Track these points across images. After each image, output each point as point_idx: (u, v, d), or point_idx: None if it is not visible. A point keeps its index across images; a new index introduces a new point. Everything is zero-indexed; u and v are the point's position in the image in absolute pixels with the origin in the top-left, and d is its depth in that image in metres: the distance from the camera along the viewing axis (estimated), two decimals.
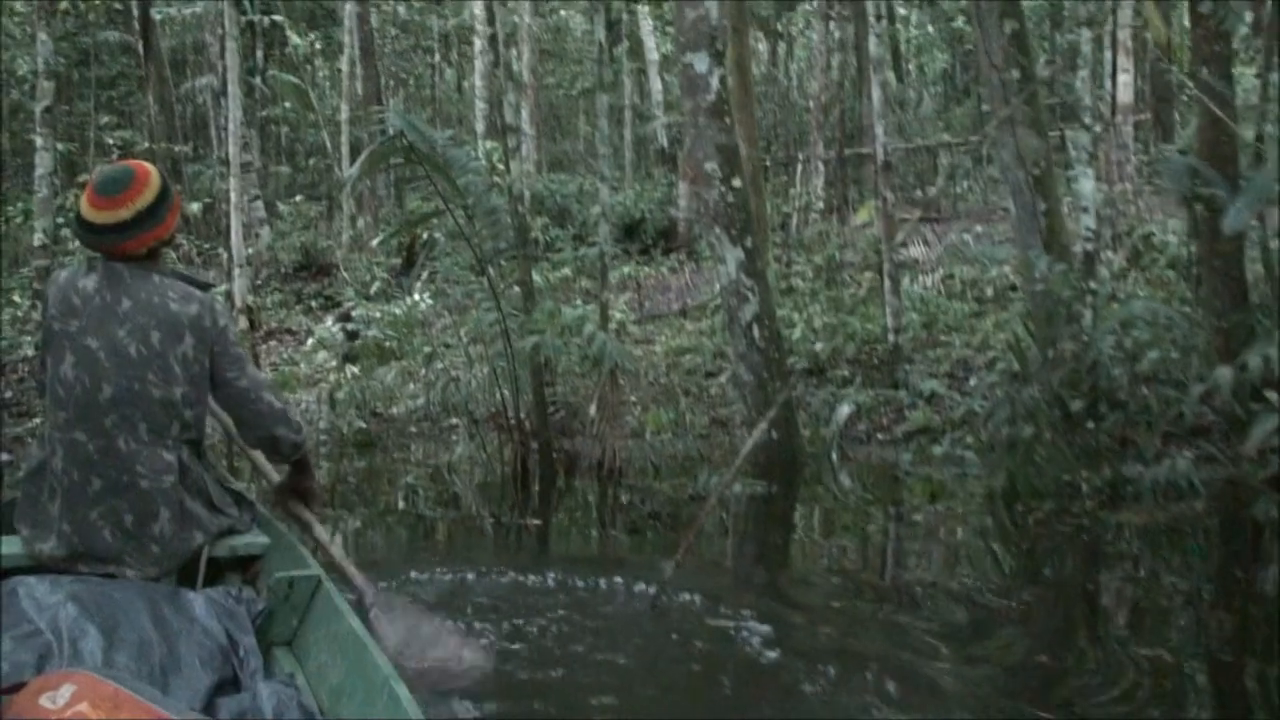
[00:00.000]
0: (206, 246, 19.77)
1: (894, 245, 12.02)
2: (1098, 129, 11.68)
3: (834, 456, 9.87)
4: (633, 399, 10.59)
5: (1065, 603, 5.70)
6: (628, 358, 8.41)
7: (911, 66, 28.34)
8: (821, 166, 20.49)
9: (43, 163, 13.93)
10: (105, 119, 22.73)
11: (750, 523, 7.70)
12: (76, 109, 23.60)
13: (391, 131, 8.44)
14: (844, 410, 10.35)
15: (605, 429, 8.51)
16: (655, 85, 24.98)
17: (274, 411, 3.42)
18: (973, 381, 11.65)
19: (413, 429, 11.44)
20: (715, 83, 9.54)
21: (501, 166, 13.01)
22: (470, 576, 5.57)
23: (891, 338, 11.93)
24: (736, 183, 9.61)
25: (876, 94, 12.22)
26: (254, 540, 3.40)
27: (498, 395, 9.26)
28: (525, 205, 9.31)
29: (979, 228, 17.01)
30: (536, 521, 7.22)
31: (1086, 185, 9.16)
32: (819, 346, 12.16)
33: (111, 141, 21.95)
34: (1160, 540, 6.76)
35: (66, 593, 2.69)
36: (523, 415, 9.15)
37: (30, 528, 3.22)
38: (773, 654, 4.39)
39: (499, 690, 3.94)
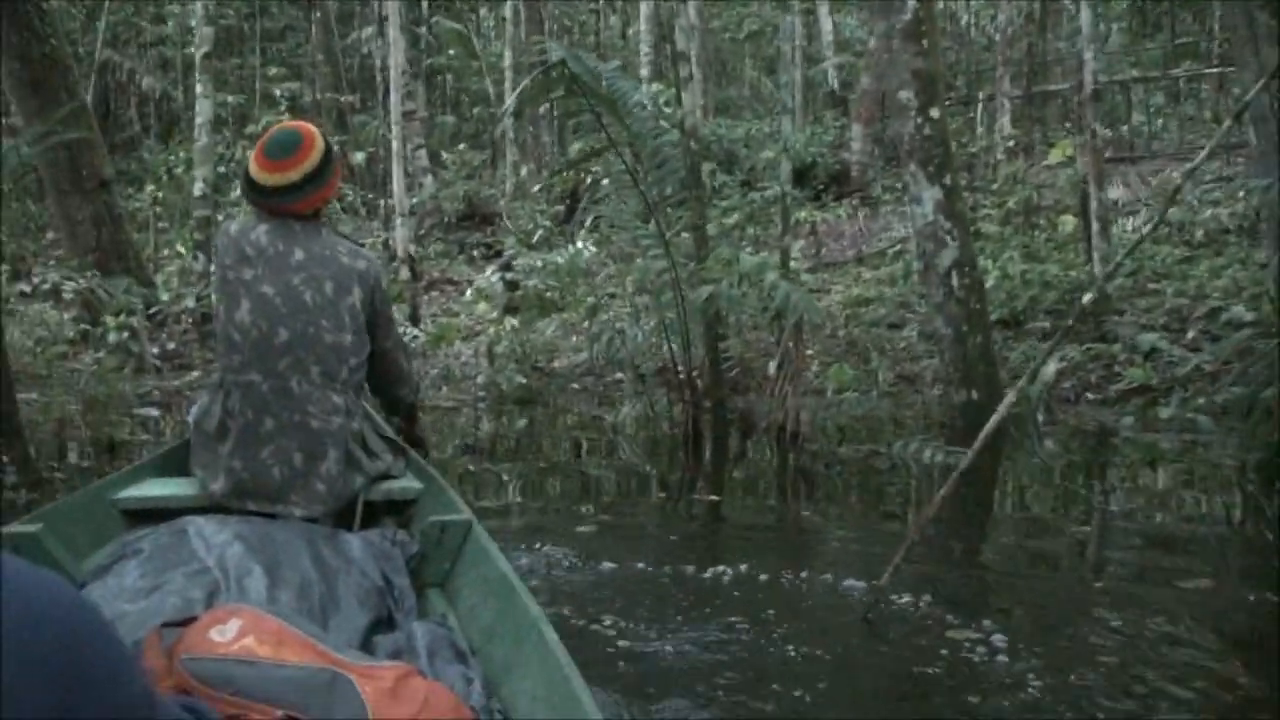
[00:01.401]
0: (370, 196, 19.22)
1: (1102, 185, 10.62)
2: None
3: (1039, 419, 8.64)
4: (810, 353, 9.52)
5: None
6: (815, 310, 7.33)
7: None
8: (1007, 104, 18.90)
9: (203, 110, 13.37)
10: (273, 71, 22.36)
11: (953, 499, 6.60)
12: (247, 62, 23.30)
13: (553, 61, 7.47)
14: (1050, 367, 9.06)
15: (787, 388, 7.46)
16: (825, 26, 23.56)
17: (402, 373, 3.64)
18: (1190, 334, 10.29)
19: (575, 385, 10.56)
20: (912, 1, 8.31)
21: (669, 110, 12.00)
22: (642, 565, 4.61)
23: (1099, 286, 10.57)
24: (934, 112, 8.40)
25: (1086, 15, 10.76)
26: (408, 485, 3.49)
27: (666, 350, 8.29)
28: (697, 140, 8.21)
29: (1184, 166, 15.32)
30: (714, 497, 6.22)
31: None
32: (1016, 296, 10.86)
33: (279, 93, 21.58)
34: None
35: (233, 532, 2.77)
36: (694, 372, 8.16)
37: (203, 469, 3.32)
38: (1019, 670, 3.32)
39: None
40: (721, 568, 4.52)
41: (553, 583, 4.38)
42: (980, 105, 20.38)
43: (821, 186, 18.98)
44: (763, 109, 25.15)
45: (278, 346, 3.23)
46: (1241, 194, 14.06)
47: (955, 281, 8.33)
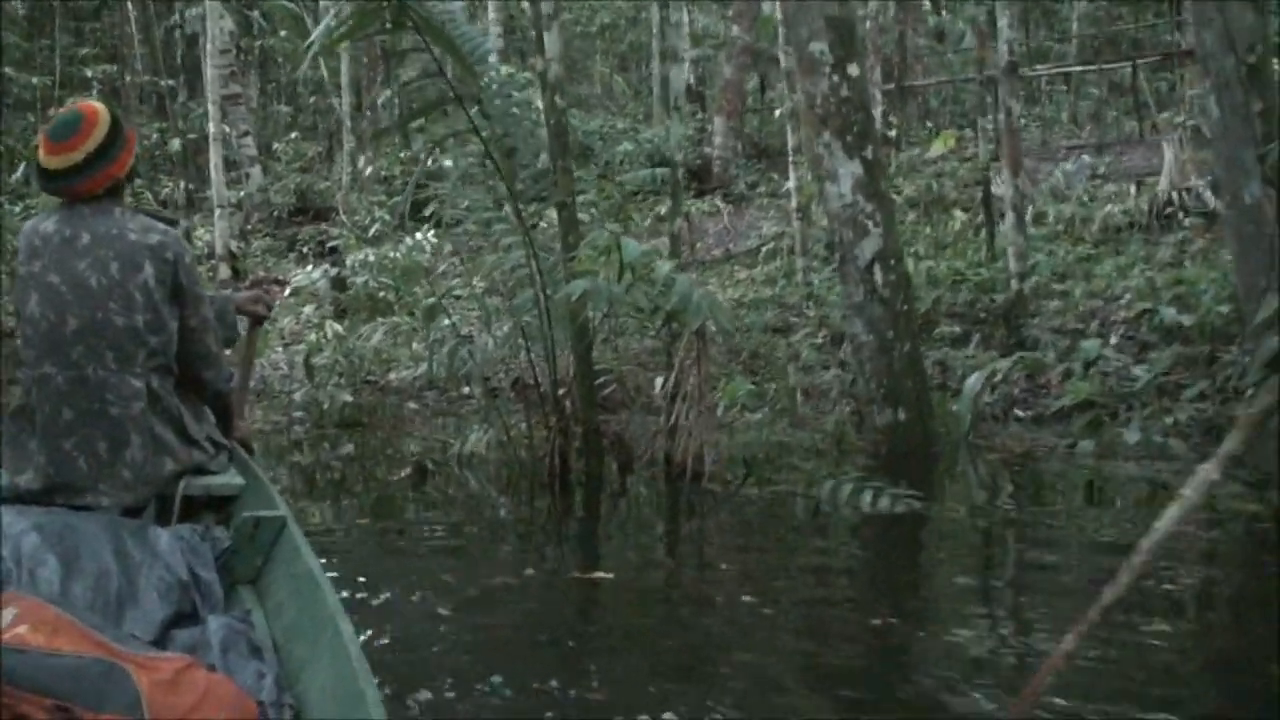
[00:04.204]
0: (191, 188, 16.74)
1: (1018, 171, 8.97)
2: None
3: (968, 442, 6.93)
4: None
5: None
6: (722, 312, 5.43)
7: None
8: (879, 95, 17.35)
9: None
10: (85, 51, 19.65)
11: (895, 564, 4.75)
12: (59, 41, 20.47)
13: None
14: (974, 381, 7.33)
15: (682, 412, 5.56)
16: (681, 19, 21.83)
17: (209, 355, 3.29)
18: (1113, 339, 8.74)
19: (412, 404, 8.48)
20: None
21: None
22: (498, 695, 2.72)
23: (1014, 285, 8.96)
24: (853, 69, 6.60)
25: None
26: (229, 481, 3.27)
27: (525, 360, 6.35)
28: (563, 97, 6.23)
29: (1069, 164, 13.92)
30: (599, 574, 4.18)
31: None
32: (919, 296, 9.15)
33: (91, 75, 18.91)
34: None
35: (31, 523, 2.61)
36: (559, 389, 6.21)
37: (11, 463, 3.12)
38: None
39: None
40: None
41: None
42: None
43: (683, 183, 17.16)
44: (614, 106, 23.42)
45: (68, 335, 3.05)
46: (1133, 189, 12.77)
47: (879, 277, 6.56)
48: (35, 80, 18.60)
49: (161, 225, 3.21)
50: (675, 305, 5.31)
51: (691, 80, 22.19)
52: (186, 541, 2.74)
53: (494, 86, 6.19)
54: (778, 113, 18.31)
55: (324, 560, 3.78)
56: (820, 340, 8.96)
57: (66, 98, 17.65)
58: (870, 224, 6.57)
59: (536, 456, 6.23)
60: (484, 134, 6.03)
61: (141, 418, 3.06)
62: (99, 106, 3.21)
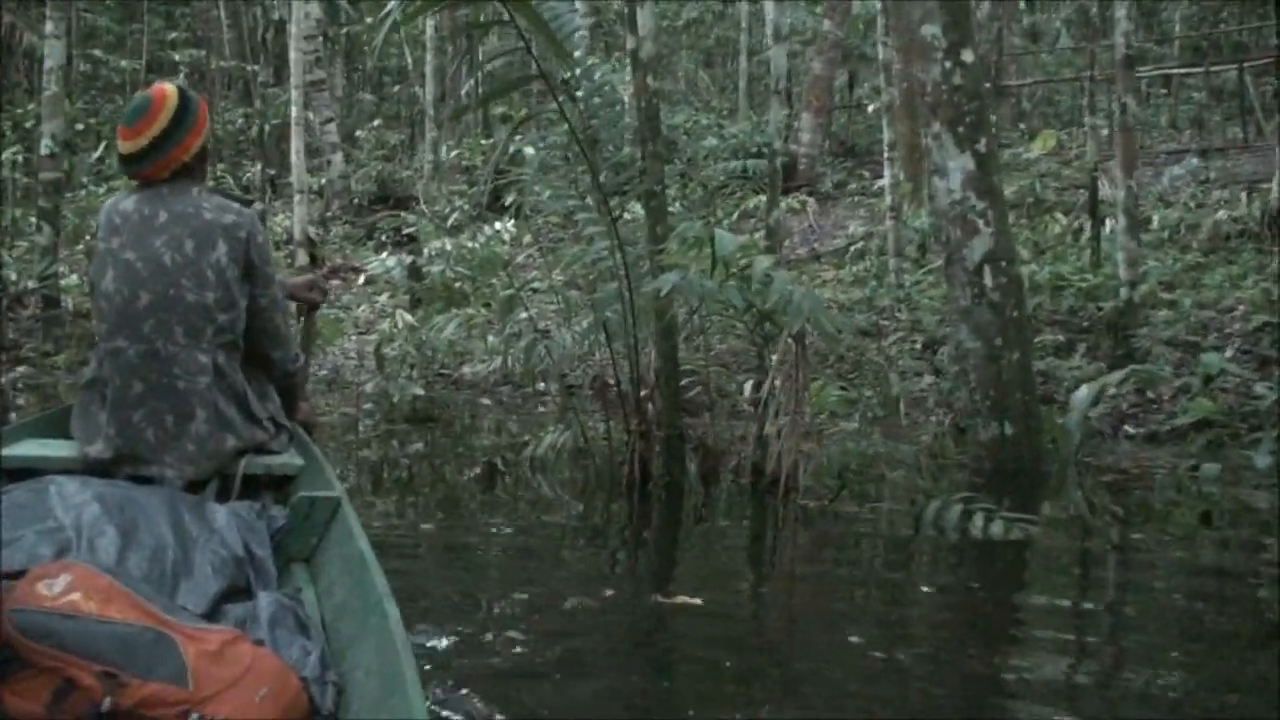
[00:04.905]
0: (273, 173, 16.54)
1: (1132, 170, 8.36)
2: None
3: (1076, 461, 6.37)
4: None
5: None
6: (826, 316, 4.93)
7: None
8: None
9: (52, 54, 10.65)
10: (174, 35, 19.58)
11: (1003, 593, 4.22)
12: (149, 25, 20.43)
13: None
14: (1084, 394, 6.75)
15: (778, 420, 5.08)
16: (769, 14, 21.28)
17: (278, 335, 3.35)
18: (1228, 353, 8.09)
19: (486, 400, 8.07)
20: None
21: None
22: None
23: (1124, 293, 8.35)
24: (967, 55, 6.08)
25: None
26: (289, 461, 3.29)
27: (606, 359, 5.91)
28: (655, 76, 5.77)
29: (1177, 168, 13.20)
30: (689, 599, 3.69)
31: None
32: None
33: (179, 59, 18.81)
34: None
35: (93, 493, 2.63)
36: (641, 390, 5.76)
37: (82, 433, 3.20)
38: None
39: None
40: None
41: None
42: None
43: (767, 180, 16.64)
44: (699, 102, 22.95)
45: (141, 310, 3.08)
46: (1243, 197, 12.04)
47: (988, 280, 6.03)
48: (125, 64, 18.55)
49: (236, 205, 3.25)
50: (773, 305, 4.83)
51: (781, 75, 21.65)
52: (243, 518, 2.77)
53: (579, 70, 5.77)
54: (871, 107, 17.75)
55: (387, 559, 3.47)
56: (915, 346, 8.41)
57: (154, 81, 17.58)
58: (981, 222, 6.04)
59: (614, 461, 5.79)
60: (569, 116, 5.59)
61: (207, 393, 3.10)
62: (169, 91, 3.24)
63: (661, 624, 3.50)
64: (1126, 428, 7.20)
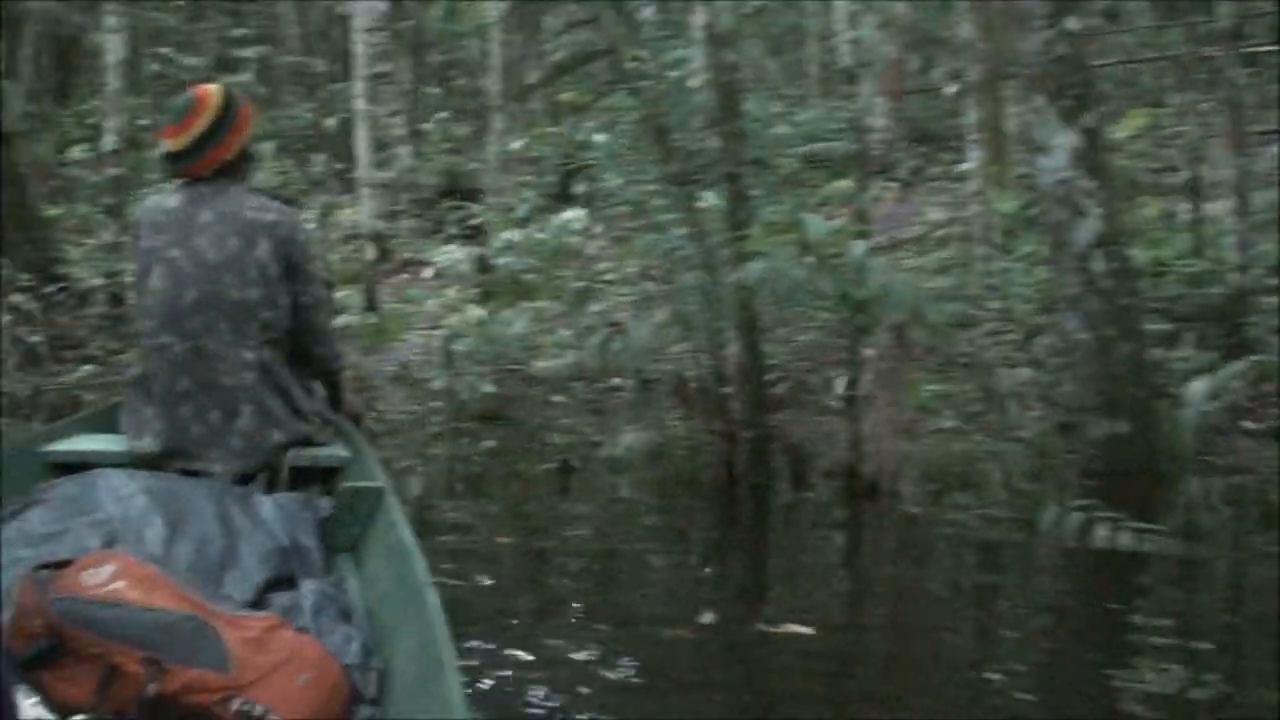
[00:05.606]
0: (341, 167, 16.34)
1: (1242, 147, 7.79)
2: None
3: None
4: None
5: None
6: (927, 306, 4.49)
7: None
8: None
9: (113, 50, 10.45)
10: (241, 32, 19.45)
11: (1138, 612, 3.76)
12: (218, 22, 20.33)
13: None
14: (1201, 387, 6.23)
15: (875, 418, 4.65)
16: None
17: (321, 331, 3.37)
18: None
19: (559, 397, 7.69)
20: None
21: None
22: None
23: (1234, 278, 7.79)
24: (1072, 22, 5.60)
25: None
26: (335, 453, 3.30)
27: (685, 353, 5.52)
28: (732, 50, 5.34)
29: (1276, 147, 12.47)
30: (799, 628, 3.24)
31: None
32: None
33: (245, 55, 18.67)
34: None
35: (141, 486, 2.66)
36: (724, 386, 5.36)
37: (131, 428, 3.21)
38: None
39: None
40: None
41: None
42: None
43: (851, 163, 16.12)
44: (767, 90, 22.47)
45: (186, 307, 3.11)
46: None
47: (1098, 266, 5.55)
48: (193, 62, 18.47)
49: (276, 204, 3.28)
50: (871, 294, 4.40)
51: (850, 62, 21.12)
52: (289, 509, 2.78)
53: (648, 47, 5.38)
54: (951, 89, 17.16)
55: (464, 572, 3.49)
56: (1010, 337, 7.91)
57: (221, 78, 17.48)
58: (1089, 203, 5.56)
59: (697, 463, 5.40)
60: (639, 96, 5.21)
61: (253, 389, 3.12)
62: (212, 91, 3.29)
63: (770, 659, 3.07)
64: (1245, 423, 6.66)
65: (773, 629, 3.22)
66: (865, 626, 3.53)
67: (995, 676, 2.86)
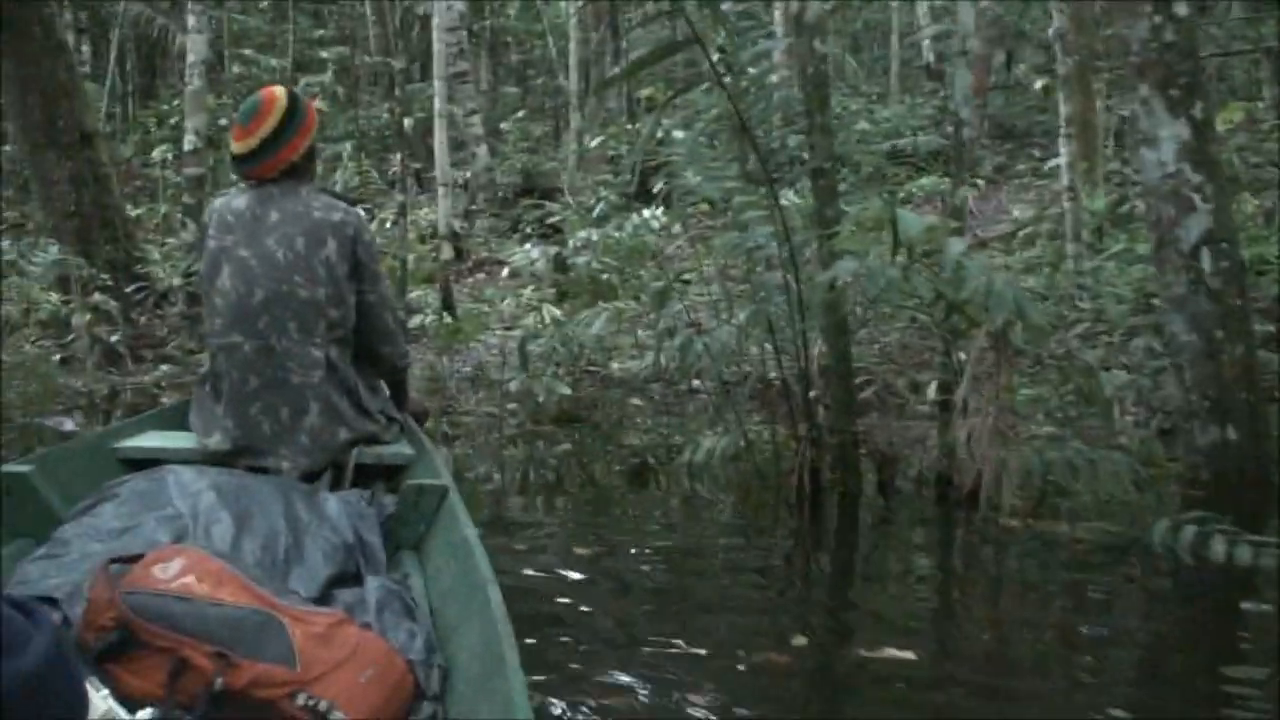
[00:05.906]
0: (417, 167, 16.32)
1: None
2: None
3: None
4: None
5: None
6: (1031, 310, 4.22)
7: None
8: None
9: (195, 49, 10.47)
10: (321, 33, 19.57)
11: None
12: (299, 24, 20.49)
13: None
14: None
15: (972, 426, 4.41)
16: None
17: (386, 330, 3.38)
18: None
19: (636, 400, 7.52)
20: None
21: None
22: None
23: None
24: (1180, 8, 5.30)
25: None
26: (399, 451, 3.36)
27: (768, 356, 5.31)
28: (822, 38, 5.11)
29: None
30: (900, 653, 2.99)
31: None
32: None
33: (325, 56, 18.78)
34: None
35: (210, 482, 2.69)
36: (810, 390, 5.14)
37: (200, 426, 3.25)
38: None
39: None
40: None
41: None
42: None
43: (922, 164, 15.79)
44: (847, 87, 22.12)
45: (255, 307, 3.13)
46: None
47: (1207, 264, 5.23)
48: (275, 63, 18.61)
49: (343, 204, 3.31)
50: (970, 295, 4.16)
51: (931, 58, 20.73)
52: (354, 506, 2.81)
53: (736, 38, 5.17)
54: (1038, 84, 16.75)
55: (539, 591, 3.41)
56: (1108, 338, 7.59)
57: (301, 79, 17.54)
58: (1198, 198, 5.25)
59: (781, 470, 5.19)
60: (724, 89, 5.00)
61: (320, 387, 3.15)
62: (279, 93, 3.33)
63: (870, 688, 2.84)
64: None
65: (870, 654, 2.98)
66: (968, 650, 3.25)
67: (1121, 715, 2.61)
